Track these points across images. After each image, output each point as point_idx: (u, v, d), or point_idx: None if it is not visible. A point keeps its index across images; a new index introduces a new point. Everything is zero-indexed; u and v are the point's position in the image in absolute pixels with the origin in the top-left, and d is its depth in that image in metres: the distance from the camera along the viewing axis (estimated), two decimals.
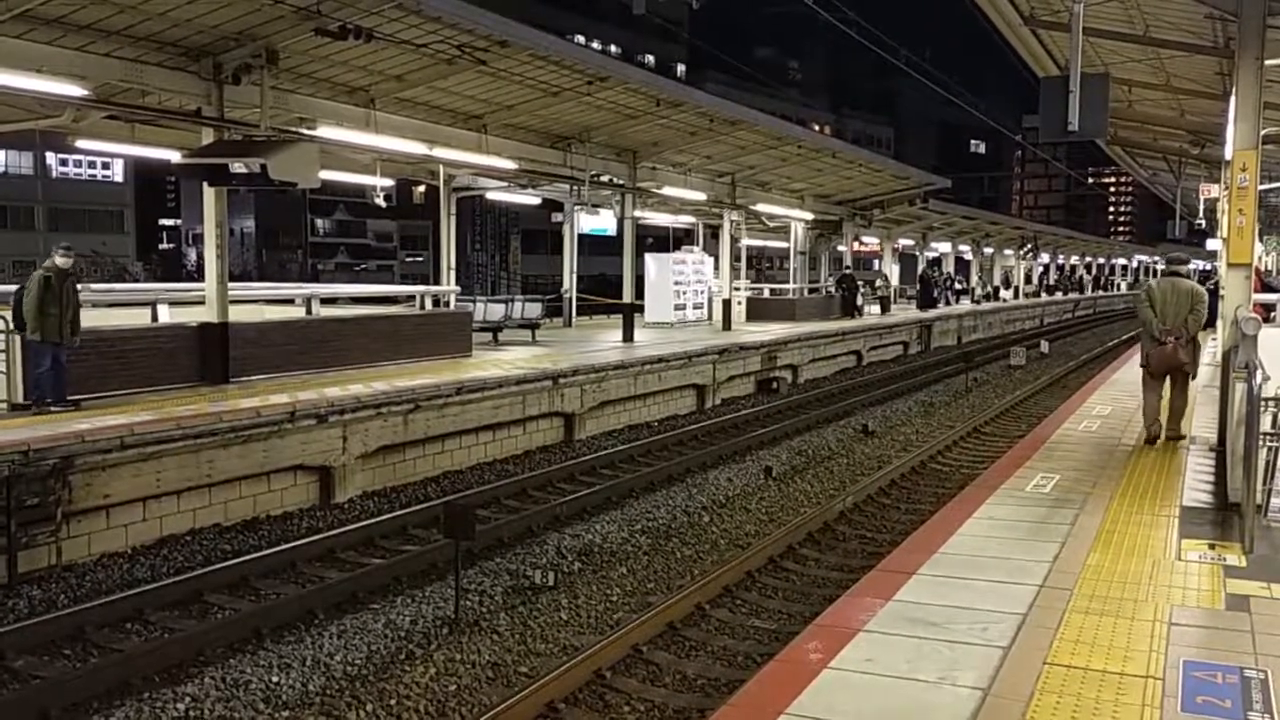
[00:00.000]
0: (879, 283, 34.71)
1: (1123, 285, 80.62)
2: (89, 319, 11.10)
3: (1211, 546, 6.39)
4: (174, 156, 12.78)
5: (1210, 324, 13.01)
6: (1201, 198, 25.43)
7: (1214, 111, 16.06)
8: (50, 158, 57.71)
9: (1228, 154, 9.89)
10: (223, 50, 11.64)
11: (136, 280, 49.03)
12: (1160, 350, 9.57)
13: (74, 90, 10.67)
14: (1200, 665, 4.51)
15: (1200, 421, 10.92)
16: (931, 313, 34.59)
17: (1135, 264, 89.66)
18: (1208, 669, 4.47)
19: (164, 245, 77.80)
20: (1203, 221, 27.15)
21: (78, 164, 59.62)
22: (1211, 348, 13.80)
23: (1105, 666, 4.51)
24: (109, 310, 15.26)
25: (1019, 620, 5.11)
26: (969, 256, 48.76)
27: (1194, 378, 10.10)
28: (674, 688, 6.61)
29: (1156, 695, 4.22)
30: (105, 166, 60.48)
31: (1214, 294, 13.60)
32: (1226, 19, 11.00)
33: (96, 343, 11.09)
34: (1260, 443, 6.35)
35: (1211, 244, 29.52)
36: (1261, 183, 12.26)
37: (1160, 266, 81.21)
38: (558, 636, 7.54)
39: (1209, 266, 37.59)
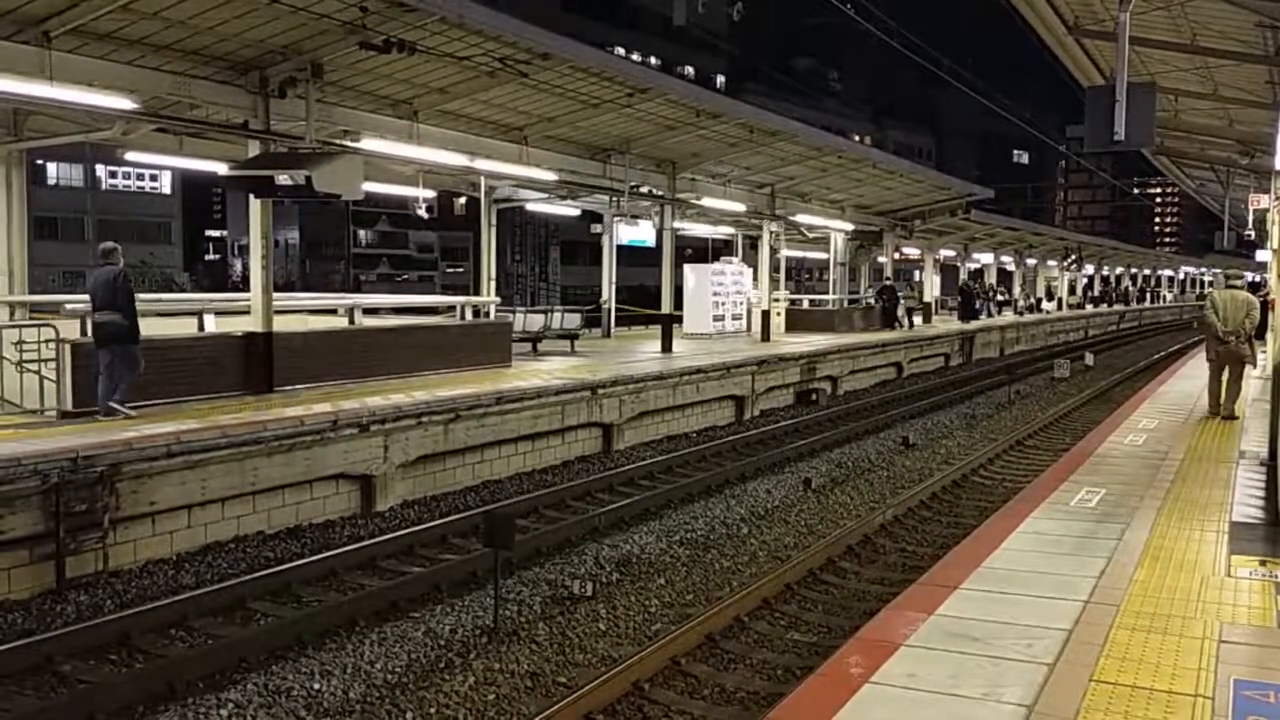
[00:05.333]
0: (904, 293, 33.13)
1: (1168, 296, 79.41)
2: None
3: (1263, 563, 6.27)
4: (221, 169, 12.97)
5: (1260, 335, 13.00)
6: (1250, 208, 25.00)
7: (1264, 121, 15.81)
8: (100, 170, 58.80)
9: (1278, 164, 9.74)
10: (269, 64, 11.82)
11: (183, 290, 49.78)
12: (1225, 347, 11.99)
13: (124, 103, 10.86)
14: (1251, 684, 4.42)
15: (1250, 436, 10.76)
16: (973, 324, 34.27)
17: (1182, 275, 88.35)
18: (1259, 688, 4.38)
19: (210, 256, 78.95)
20: (1252, 233, 26.73)
21: (126, 176, 60.72)
22: (1262, 359, 13.59)
23: (1153, 684, 4.44)
24: (156, 320, 15.48)
25: (1064, 636, 5.04)
26: (1011, 267, 48.28)
27: (1255, 366, 12.65)
28: (713, 700, 6.58)
29: (1206, 714, 4.14)
30: (153, 179, 61.53)
31: (1264, 305, 13.43)
32: (1276, 27, 10.84)
33: (145, 352, 11.24)
34: None
35: (1261, 255, 29.03)
36: None
37: (1208, 279, 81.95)
38: (596, 647, 7.54)
39: (1258, 278, 37.05)
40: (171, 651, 7.16)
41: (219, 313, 13.69)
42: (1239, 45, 12.79)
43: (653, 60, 68.05)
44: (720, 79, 78.18)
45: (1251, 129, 17.84)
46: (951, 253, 39.62)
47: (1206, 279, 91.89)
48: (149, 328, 11.02)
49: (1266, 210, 18.47)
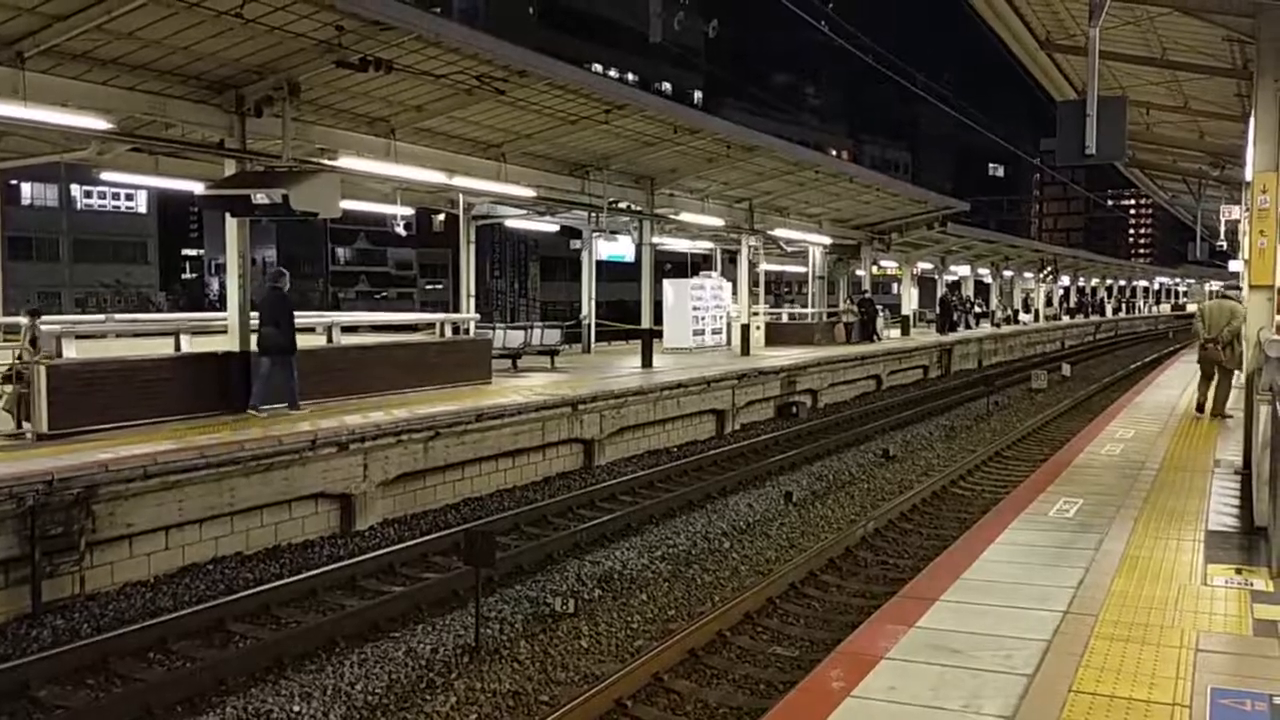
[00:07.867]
0: (843, 305, 31.60)
1: (1141, 306, 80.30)
2: (114, 349, 11.25)
3: (1238, 571, 6.32)
4: (197, 188, 12.95)
5: None
6: (1222, 219, 25.26)
7: (1233, 133, 16.02)
8: (75, 190, 58.38)
9: (1248, 176, 9.89)
10: (245, 83, 11.80)
11: (160, 310, 49.47)
12: (1205, 352, 12.95)
13: (99, 124, 10.83)
14: (1228, 693, 4.45)
15: (1225, 445, 10.87)
16: (951, 336, 34.47)
17: (1157, 286, 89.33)
18: (1236, 696, 4.41)
19: (187, 275, 78.56)
20: (1224, 243, 27.02)
21: (102, 196, 60.31)
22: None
23: (1131, 694, 4.46)
24: (133, 340, 15.40)
25: (1043, 647, 5.07)
26: (988, 280, 48.63)
27: (1239, 370, 12.67)
28: (696, 716, 6.57)
29: None
30: (129, 198, 61.14)
31: None
32: (1244, 41, 11.00)
33: (121, 372, 11.20)
34: None
35: (1234, 265, 29.32)
36: None
37: (1182, 289, 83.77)
38: (578, 665, 7.52)
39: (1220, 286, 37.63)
40: (149, 675, 7.09)
41: (196, 332, 13.61)
42: (1208, 59, 12.96)
43: (630, 77, 68.31)
44: (698, 95, 78.54)
45: (1222, 141, 18.05)
46: (929, 265, 39.88)
47: (1180, 289, 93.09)
48: (127, 348, 10.97)
49: (1238, 221, 18.68)
